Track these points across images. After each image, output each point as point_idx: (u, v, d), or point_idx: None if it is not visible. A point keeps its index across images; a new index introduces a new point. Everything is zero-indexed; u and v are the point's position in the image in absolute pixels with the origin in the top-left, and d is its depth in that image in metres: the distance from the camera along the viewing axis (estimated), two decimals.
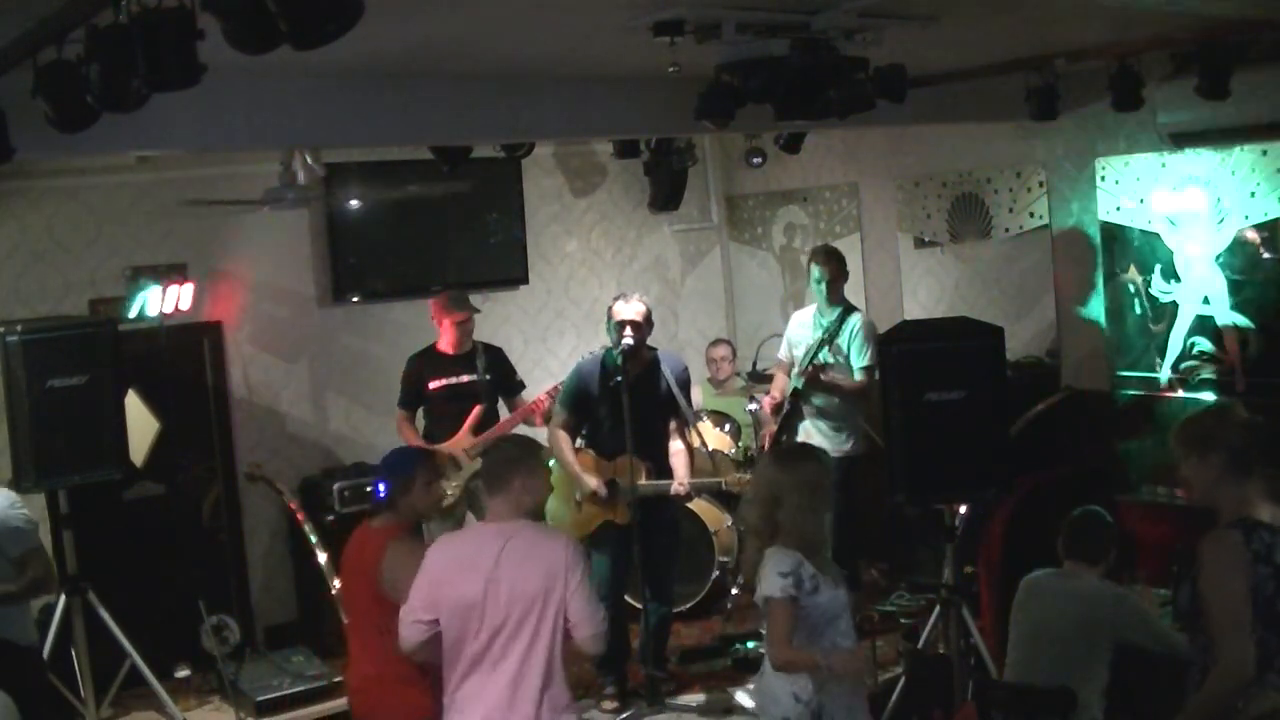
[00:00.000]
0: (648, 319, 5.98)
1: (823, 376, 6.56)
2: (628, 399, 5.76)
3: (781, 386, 6.87)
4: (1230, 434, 3.43)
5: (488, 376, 6.72)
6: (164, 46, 2.78)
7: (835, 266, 6.72)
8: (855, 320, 6.64)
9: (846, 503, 6.23)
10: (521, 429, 6.70)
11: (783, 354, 7.01)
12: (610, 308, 6.02)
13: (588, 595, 3.86)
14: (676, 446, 6.11)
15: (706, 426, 7.34)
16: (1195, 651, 3.50)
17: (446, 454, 6.55)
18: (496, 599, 3.82)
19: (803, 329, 6.84)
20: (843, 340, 6.61)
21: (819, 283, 6.70)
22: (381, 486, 4.63)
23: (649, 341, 6.05)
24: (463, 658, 3.88)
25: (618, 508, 5.97)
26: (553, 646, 3.84)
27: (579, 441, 6.20)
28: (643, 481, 5.90)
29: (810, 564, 3.89)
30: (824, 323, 6.69)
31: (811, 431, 6.66)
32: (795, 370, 6.73)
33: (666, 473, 6.05)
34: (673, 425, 6.12)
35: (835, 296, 6.70)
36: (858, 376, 6.59)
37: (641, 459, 5.93)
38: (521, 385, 6.93)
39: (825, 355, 6.61)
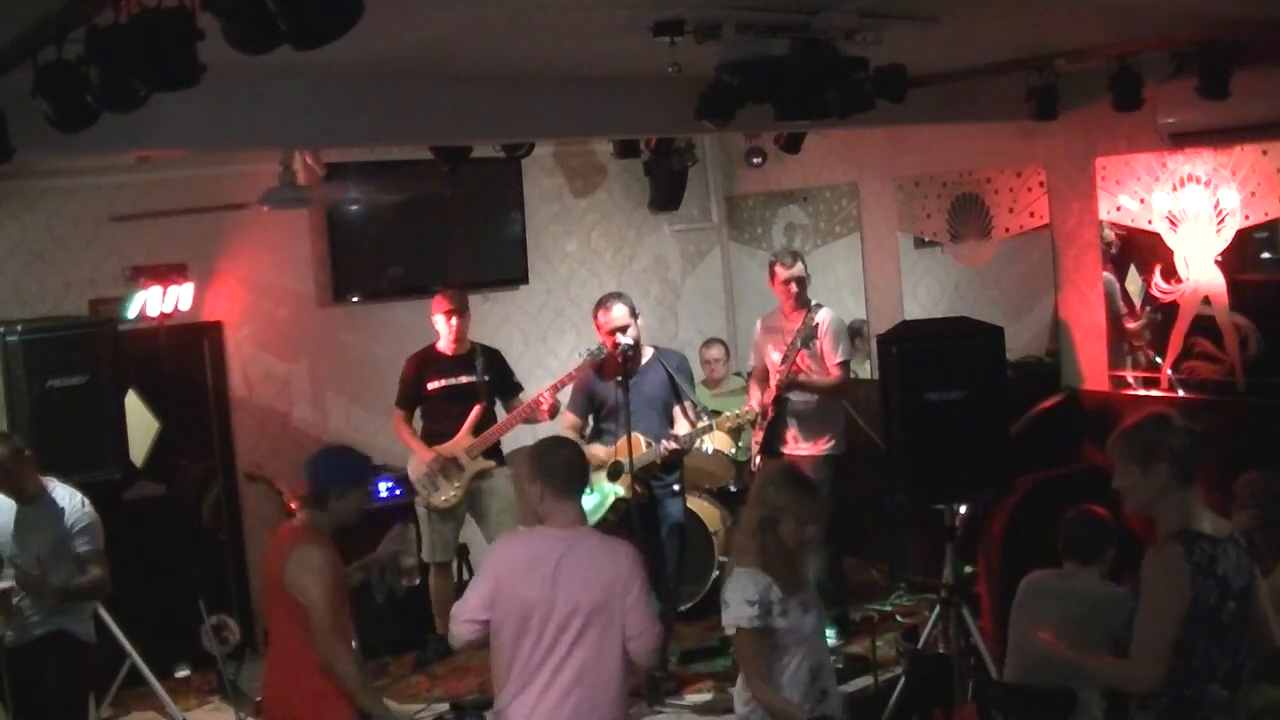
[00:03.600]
0: (633, 316, 6.18)
1: (800, 378, 6.53)
2: (626, 393, 5.88)
3: (757, 397, 6.75)
4: (1174, 442, 3.34)
5: (486, 377, 6.72)
6: (164, 46, 2.79)
7: (804, 268, 6.71)
8: (825, 316, 6.59)
9: (833, 503, 6.23)
10: (525, 429, 6.72)
11: (753, 363, 6.96)
12: (595, 316, 6.21)
13: (647, 607, 3.77)
14: (682, 427, 6.23)
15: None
16: None
17: (448, 455, 6.57)
18: (556, 605, 3.70)
19: (772, 335, 6.74)
20: (817, 338, 6.57)
21: (800, 283, 6.62)
22: (320, 482, 4.27)
23: (645, 339, 6.27)
24: (517, 663, 3.75)
25: (624, 484, 6.06)
26: (612, 659, 3.74)
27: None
28: (641, 451, 5.99)
29: (778, 588, 3.83)
30: (793, 326, 6.61)
31: (797, 434, 6.63)
32: (774, 376, 6.61)
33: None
34: (677, 411, 6.23)
35: (804, 298, 6.66)
36: (834, 372, 6.59)
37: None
38: (519, 387, 6.92)
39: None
